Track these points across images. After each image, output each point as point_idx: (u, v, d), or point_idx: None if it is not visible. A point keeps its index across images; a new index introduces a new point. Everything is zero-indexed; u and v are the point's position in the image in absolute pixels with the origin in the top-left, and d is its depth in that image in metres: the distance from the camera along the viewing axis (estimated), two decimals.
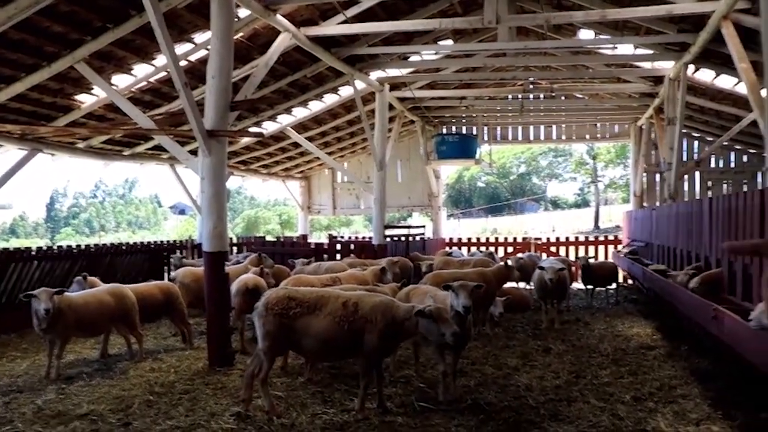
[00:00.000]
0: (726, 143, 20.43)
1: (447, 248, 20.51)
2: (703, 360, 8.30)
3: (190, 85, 9.02)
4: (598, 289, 14.79)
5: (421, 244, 19.34)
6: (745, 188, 22.09)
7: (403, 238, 19.52)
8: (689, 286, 7.85)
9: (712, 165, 22.95)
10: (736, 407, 6.22)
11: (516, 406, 6.64)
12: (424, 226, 25.74)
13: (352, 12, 12.40)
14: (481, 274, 10.36)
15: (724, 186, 22.78)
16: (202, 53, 12.16)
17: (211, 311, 8.75)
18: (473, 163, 24.52)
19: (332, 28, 12.61)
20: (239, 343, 9.42)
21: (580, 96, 21.08)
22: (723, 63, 13.66)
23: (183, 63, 11.94)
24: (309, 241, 22.35)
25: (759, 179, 22.07)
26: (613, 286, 14.85)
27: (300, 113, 18.58)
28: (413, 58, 16.72)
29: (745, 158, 22.48)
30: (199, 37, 11.80)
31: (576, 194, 67.72)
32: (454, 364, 7.02)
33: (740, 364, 5.72)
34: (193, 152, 11.92)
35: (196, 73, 12.59)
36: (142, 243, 15.97)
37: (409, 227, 24.21)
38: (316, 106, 18.50)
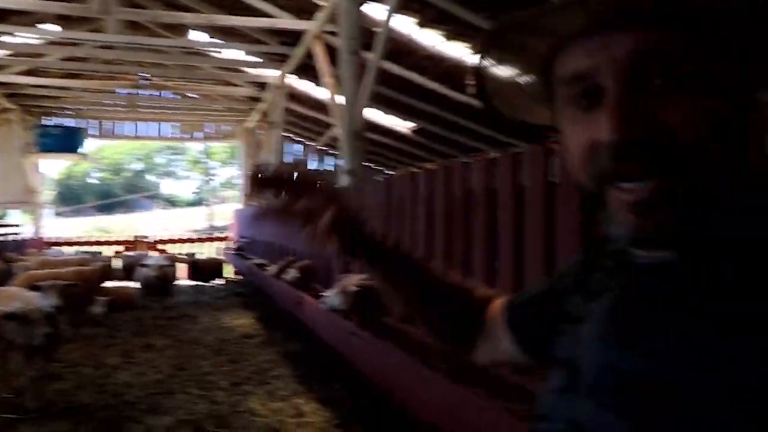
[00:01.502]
0: (323, 148, 22.77)
1: (44, 248, 19.00)
2: (295, 344, 9.19)
3: None
4: (206, 284, 15.23)
5: (16, 244, 17.56)
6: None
7: None
8: (287, 277, 8.62)
9: (314, 167, 25.39)
10: (318, 382, 7.11)
11: (115, 403, 6.57)
12: (18, 225, 23.32)
13: None
14: (78, 273, 9.98)
15: None
16: None
17: None
18: (79, 158, 23.14)
19: None
20: None
21: (192, 96, 21.35)
22: (317, 76, 15.23)
23: None
24: None
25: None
26: (221, 280, 15.42)
27: None
28: (9, 39, 15.07)
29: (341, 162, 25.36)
30: None
31: (194, 193, 67.92)
32: (45, 367, 6.66)
33: (323, 344, 6.54)
34: None
35: None
36: None
37: (1, 226, 21.73)
38: None
